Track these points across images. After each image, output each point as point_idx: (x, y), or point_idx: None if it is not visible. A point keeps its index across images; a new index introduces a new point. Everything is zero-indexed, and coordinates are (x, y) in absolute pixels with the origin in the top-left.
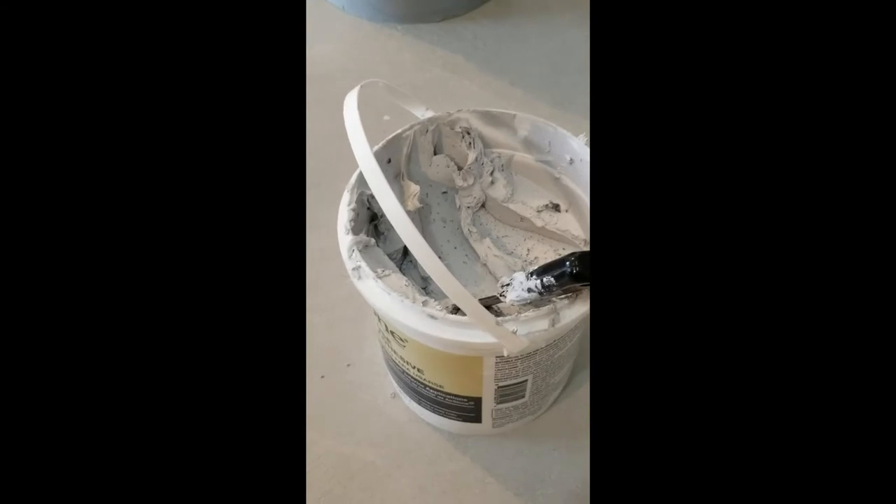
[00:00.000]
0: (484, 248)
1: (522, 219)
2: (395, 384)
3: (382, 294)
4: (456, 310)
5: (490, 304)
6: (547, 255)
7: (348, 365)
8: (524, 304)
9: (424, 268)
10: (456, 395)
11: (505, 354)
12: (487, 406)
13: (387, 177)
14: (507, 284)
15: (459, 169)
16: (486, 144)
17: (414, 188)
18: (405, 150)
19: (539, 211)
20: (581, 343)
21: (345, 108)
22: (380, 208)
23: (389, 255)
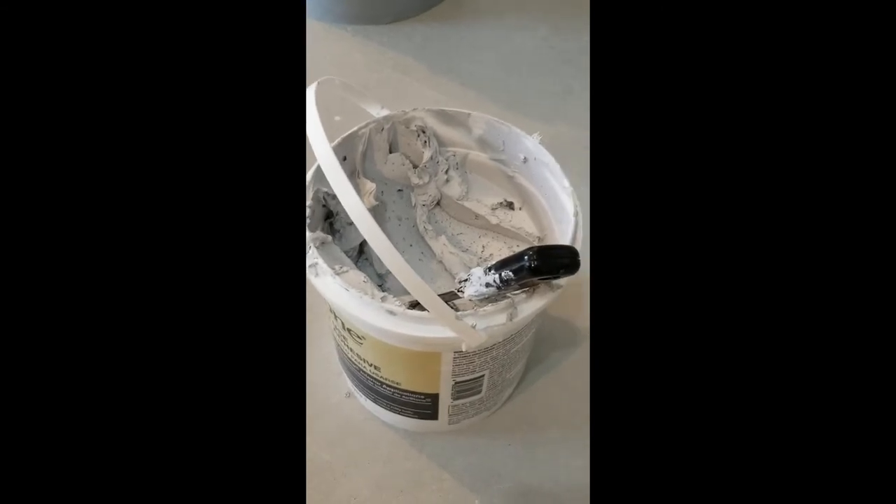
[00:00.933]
0: (439, 245)
1: (477, 216)
2: (350, 383)
3: (340, 290)
4: (413, 306)
5: (448, 299)
6: (501, 251)
7: None
8: (482, 299)
9: (384, 262)
10: (413, 392)
11: (464, 349)
12: (444, 402)
13: None
14: (466, 280)
15: (415, 167)
16: (442, 143)
17: (370, 186)
18: (361, 148)
19: (493, 208)
20: (535, 339)
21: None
22: (335, 206)
23: (345, 253)
